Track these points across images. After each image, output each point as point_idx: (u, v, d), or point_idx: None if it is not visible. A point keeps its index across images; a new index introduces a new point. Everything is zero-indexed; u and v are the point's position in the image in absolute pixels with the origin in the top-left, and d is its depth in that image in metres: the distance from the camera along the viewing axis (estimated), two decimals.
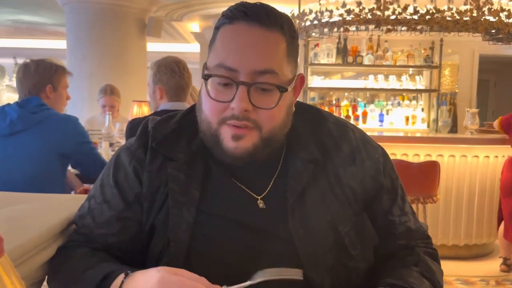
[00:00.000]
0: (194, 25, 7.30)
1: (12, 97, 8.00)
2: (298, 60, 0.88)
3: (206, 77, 0.79)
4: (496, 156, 3.51)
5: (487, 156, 3.49)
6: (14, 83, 8.57)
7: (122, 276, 0.74)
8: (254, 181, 0.84)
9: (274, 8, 0.81)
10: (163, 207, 0.82)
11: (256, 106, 0.77)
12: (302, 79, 0.85)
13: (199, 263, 0.80)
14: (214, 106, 0.79)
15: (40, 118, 1.95)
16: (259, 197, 0.83)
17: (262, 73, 0.76)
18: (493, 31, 3.89)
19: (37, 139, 1.93)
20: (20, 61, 8.84)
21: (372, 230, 0.87)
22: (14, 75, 8.53)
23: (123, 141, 3.34)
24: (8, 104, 2.00)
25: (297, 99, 0.89)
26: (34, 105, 1.98)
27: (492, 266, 3.49)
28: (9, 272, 0.47)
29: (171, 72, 2.06)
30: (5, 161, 1.91)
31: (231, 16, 0.79)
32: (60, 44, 6.53)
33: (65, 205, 1.00)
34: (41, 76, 2.04)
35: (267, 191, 0.84)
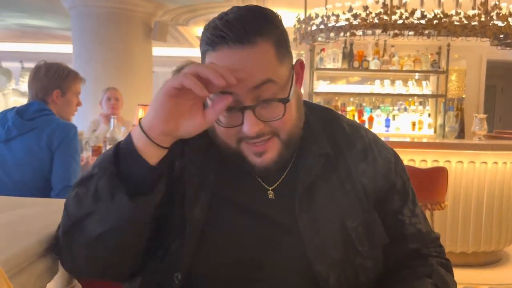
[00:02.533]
0: (199, 30, 7.31)
1: (19, 101, 8.05)
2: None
3: None
4: (505, 163, 3.46)
5: (496, 162, 3.44)
6: (20, 87, 8.64)
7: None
8: (268, 175, 0.85)
9: (250, 13, 0.77)
10: (179, 183, 0.83)
11: (267, 121, 0.77)
12: (301, 64, 0.84)
13: (211, 245, 0.81)
14: (227, 132, 0.79)
15: (35, 125, 1.90)
16: (270, 188, 0.85)
17: (260, 86, 0.75)
18: (502, 36, 3.85)
19: (27, 146, 1.88)
20: (27, 65, 8.86)
21: (382, 229, 0.87)
22: (21, 79, 8.62)
23: None
24: (12, 109, 1.98)
25: (307, 100, 0.91)
26: (33, 110, 1.94)
27: (501, 274, 3.44)
28: (2, 285, 0.45)
29: None
30: (1, 166, 1.90)
31: (211, 42, 0.76)
32: (67, 48, 6.55)
33: None
34: (49, 80, 2.00)
35: (278, 182, 0.85)
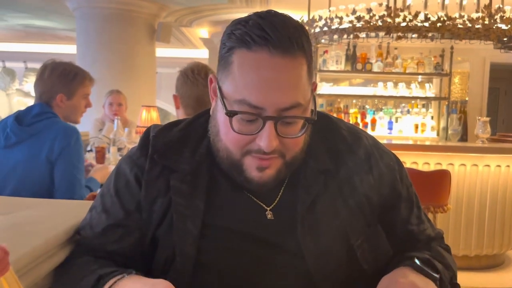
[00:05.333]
0: (203, 31, 7.31)
1: (22, 101, 8.06)
2: None
3: (231, 115, 0.73)
4: (508, 166, 3.46)
5: (499, 166, 3.43)
6: (24, 87, 8.65)
7: (117, 277, 0.73)
8: (262, 191, 0.81)
9: (292, 22, 0.73)
10: (165, 219, 0.80)
11: (283, 136, 0.74)
12: (314, 87, 0.82)
13: (206, 277, 0.78)
14: (238, 139, 0.75)
15: (33, 131, 1.81)
16: (268, 208, 0.80)
17: (288, 108, 0.72)
18: (505, 39, 3.84)
19: (26, 153, 1.80)
20: (30, 65, 8.84)
21: (386, 243, 0.84)
22: (24, 79, 8.64)
23: (131, 146, 3.33)
24: (15, 113, 1.90)
25: None
26: (34, 114, 1.84)
27: (504, 277, 3.43)
28: (13, 286, 0.46)
29: (185, 78, 1.80)
30: (0, 173, 1.84)
31: (249, 41, 0.70)
32: (71, 49, 6.57)
33: (72, 212, 0.99)
34: (53, 82, 1.88)
35: (276, 201, 0.81)
